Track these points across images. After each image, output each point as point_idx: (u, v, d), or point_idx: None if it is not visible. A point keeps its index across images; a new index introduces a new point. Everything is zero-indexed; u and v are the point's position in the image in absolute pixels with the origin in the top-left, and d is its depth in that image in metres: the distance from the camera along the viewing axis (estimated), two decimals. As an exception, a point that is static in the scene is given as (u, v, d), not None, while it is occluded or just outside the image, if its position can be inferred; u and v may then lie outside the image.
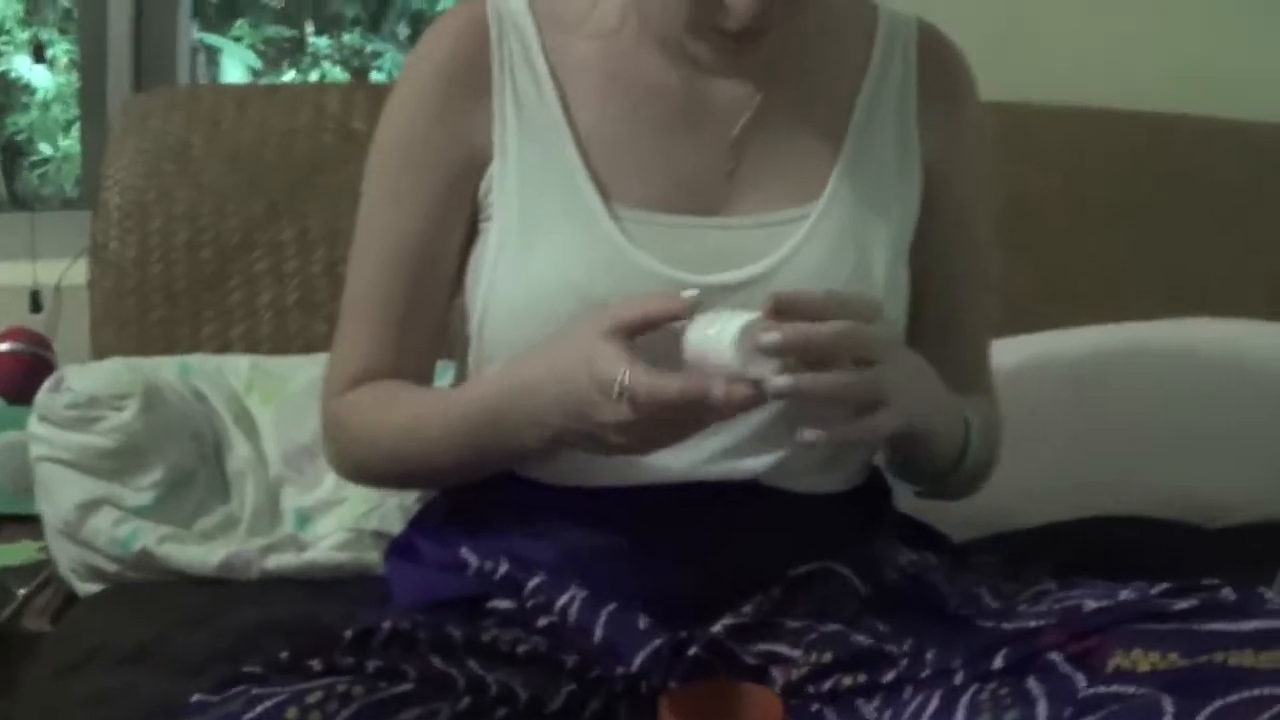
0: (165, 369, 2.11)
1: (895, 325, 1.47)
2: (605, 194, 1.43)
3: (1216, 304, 2.43)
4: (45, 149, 5.31)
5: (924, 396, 1.39)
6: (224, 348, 2.23)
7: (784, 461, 1.42)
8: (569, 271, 1.40)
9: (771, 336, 1.22)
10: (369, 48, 6.89)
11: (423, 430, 1.44)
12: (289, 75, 5.40)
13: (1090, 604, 1.30)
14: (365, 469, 1.56)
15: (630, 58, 1.48)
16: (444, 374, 1.61)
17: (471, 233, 1.49)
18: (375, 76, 4.99)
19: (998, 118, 1.71)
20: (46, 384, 2.00)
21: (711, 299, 1.34)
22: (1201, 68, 2.78)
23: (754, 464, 1.42)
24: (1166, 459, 2.18)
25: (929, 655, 1.31)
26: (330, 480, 2.05)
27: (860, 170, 1.48)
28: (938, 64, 1.57)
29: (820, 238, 1.44)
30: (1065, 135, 2.53)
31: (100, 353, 2.23)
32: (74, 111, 4.89)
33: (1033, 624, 1.32)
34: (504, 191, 1.45)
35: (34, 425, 1.99)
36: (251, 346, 2.23)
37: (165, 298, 2.23)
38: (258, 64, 5.20)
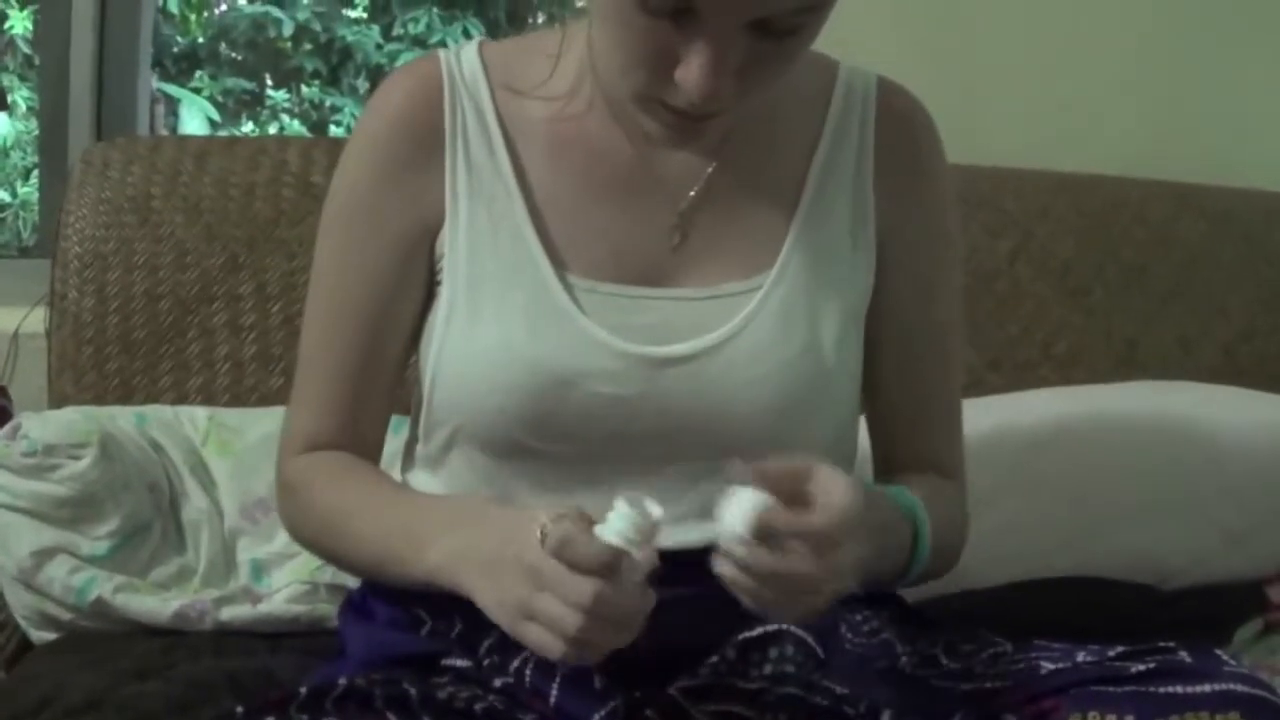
0: (122, 419, 2.10)
1: (846, 396, 1.46)
2: (555, 261, 1.42)
3: (1168, 368, 2.46)
4: (3, 196, 5.32)
5: (872, 557, 1.32)
6: (181, 399, 2.22)
7: None
8: (516, 339, 1.39)
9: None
10: (328, 101, 6.92)
11: (352, 525, 1.44)
12: (248, 127, 5.43)
13: (1047, 666, 1.31)
14: (304, 540, 1.55)
15: (584, 124, 1.47)
16: (399, 427, 1.61)
17: (429, 294, 1.48)
18: (334, 130, 5.02)
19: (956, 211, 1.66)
20: (3, 431, 2.00)
21: (661, 368, 1.36)
22: (1154, 132, 2.81)
23: (712, 531, 1.41)
24: (1120, 521, 2.19)
25: (885, 716, 1.30)
26: (285, 533, 2.04)
27: (812, 242, 1.46)
28: (898, 129, 1.52)
29: (770, 311, 1.42)
30: (1017, 199, 2.54)
31: (57, 401, 2.23)
32: (33, 159, 4.88)
33: (989, 685, 1.32)
34: (454, 255, 1.44)
35: (-9, 474, 1.98)
36: (209, 398, 2.23)
37: (123, 348, 2.23)
38: (217, 115, 5.23)
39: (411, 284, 1.47)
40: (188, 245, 2.24)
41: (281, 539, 2.05)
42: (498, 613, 1.21)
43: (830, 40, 1.47)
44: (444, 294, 1.44)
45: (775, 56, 1.25)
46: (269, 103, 6.70)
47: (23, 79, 5.40)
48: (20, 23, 5.73)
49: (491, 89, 1.48)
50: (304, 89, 6.99)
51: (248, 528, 2.08)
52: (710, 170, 1.46)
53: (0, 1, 5.53)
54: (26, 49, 5.57)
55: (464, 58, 1.51)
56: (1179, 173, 2.69)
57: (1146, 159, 2.71)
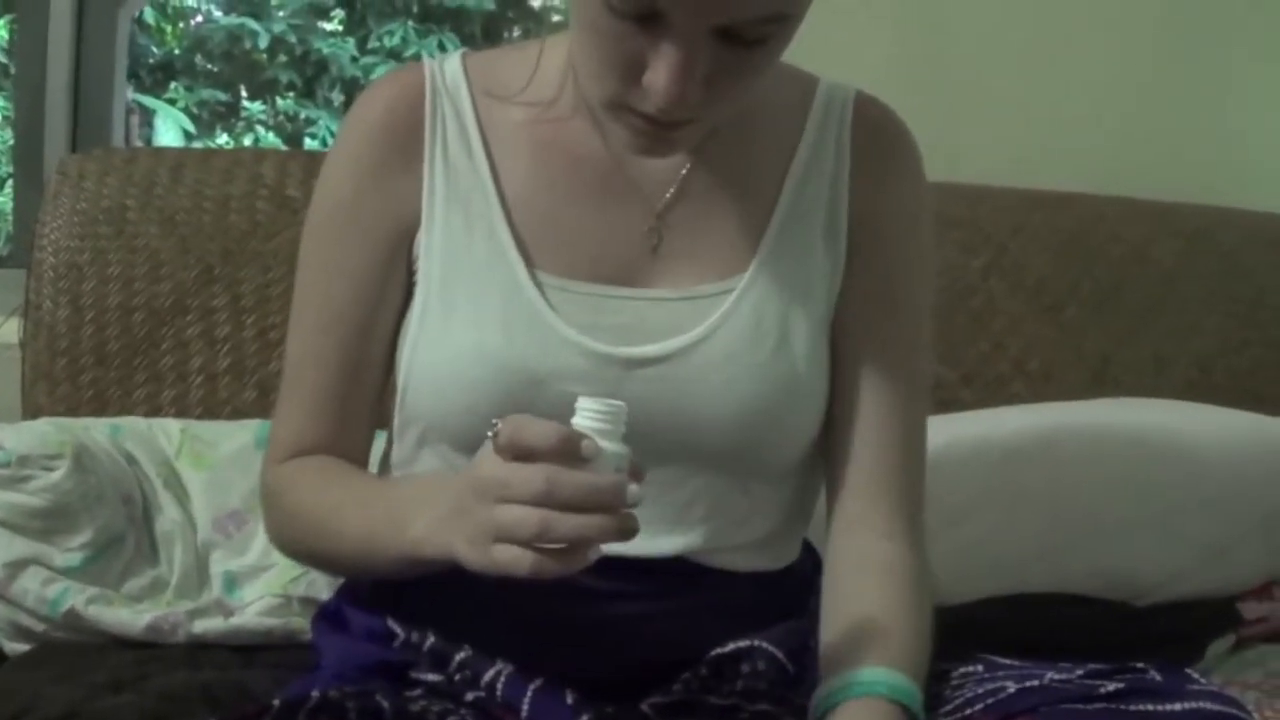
0: (96, 430, 2.10)
1: (816, 403, 1.45)
2: (529, 261, 1.42)
3: (1142, 387, 2.47)
4: (-23, 204, 5.30)
5: None
6: (155, 411, 2.22)
7: (713, 538, 1.42)
8: (487, 338, 1.38)
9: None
10: (303, 114, 6.91)
11: (336, 521, 1.42)
12: (223, 138, 5.42)
13: (1017, 685, 1.31)
14: (289, 546, 1.54)
15: (563, 128, 1.47)
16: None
17: (409, 298, 1.48)
18: (309, 143, 5.01)
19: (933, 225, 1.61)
20: (-24, 442, 1.99)
21: (631, 369, 1.36)
22: (1130, 150, 2.82)
23: (682, 540, 1.41)
24: (1094, 537, 2.19)
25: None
26: (259, 546, 2.05)
27: (786, 246, 1.45)
28: (873, 140, 1.51)
29: (742, 313, 1.41)
30: (992, 215, 2.55)
31: (31, 412, 2.23)
32: (7, 168, 4.87)
33: (959, 703, 1.32)
34: (429, 256, 1.44)
35: (-36, 483, 1.98)
36: (182, 411, 2.23)
37: (97, 359, 2.22)
38: (192, 127, 5.22)
39: (393, 288, 1.47)
40: (162, 257, 2.24)
41: (255, 552, 2.05)
42: (470, 554, 1.16)
43: (806, 57, 1.49)
44: (419, 294, 1.44)
45: (743, 67, 1.24)
46: (244, 114, 6.69)
47: (-1, 89, 5.39)
48: (-4, 31, 5.72)
49: (472, 94, 1.49)
50: (279, 101, 6.99)
51: (221, 540, 2.08)
52: (685, 171, 1.46)
53: (-23, 11, 5.52)
54: (2, 58, 5.55)
55: (447, 66, 1.51)
56: (1154, 191, 2.70)
57: (1122, 177, 2.72)
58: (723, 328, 1.41)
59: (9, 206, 4.99)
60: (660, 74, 1.21)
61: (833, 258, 1.48)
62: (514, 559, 1.12)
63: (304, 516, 1.46)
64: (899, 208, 1.51)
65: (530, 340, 1.38)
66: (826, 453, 1.49)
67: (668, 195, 1.46)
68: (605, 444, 1.14)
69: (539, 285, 1.41)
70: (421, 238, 1.45)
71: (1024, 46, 2.84)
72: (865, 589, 1.41)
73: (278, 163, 2.34)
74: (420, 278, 1.44)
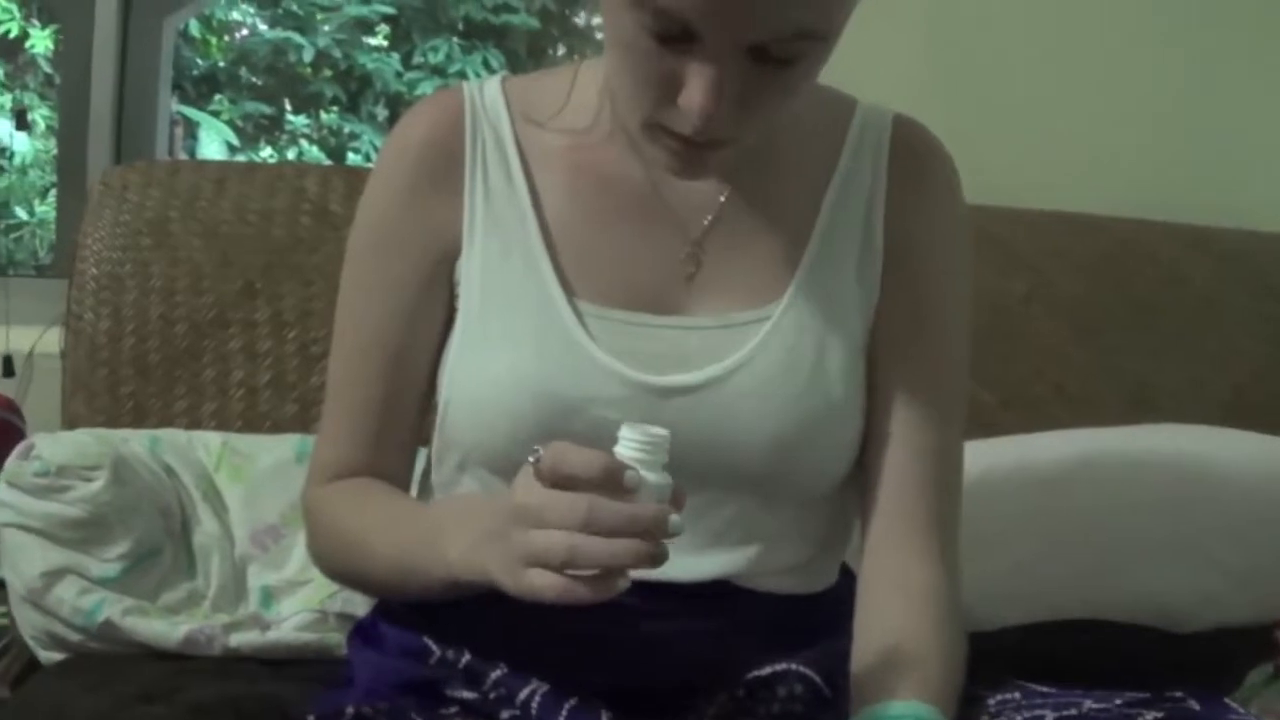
0: (135, 442, 2.10)
1: (851, 427, 1.44)
2: (567, 288, 1.42)
3: (1179, 410, 2.46)
4: (20, 214, 5.33)
5: None
6: (194, 424, 2.22)
7: (750, 562, 1.42)
8: (524, 364, 1.38)
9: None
10: (347, 128, 6.93)
11: (372, 543, 1.43)
12: (266, 152, 5.44)
13: (1055, 713, 1.30)
14: (329, 566, 1.55)
15: (599, 154, 1.47)
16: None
17: (451, 322, 1.48)
18: (352, 158, 5.03)
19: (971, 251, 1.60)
20: (16, 451, 2.00)
21: (668, 397, 1.36)
22: (1166, 174, 2.82)
23: (719, 563, 1.41)
24: (1130, 564, 2.18)
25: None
26: (296, 560, 2.05)
27: (822, 272, 1.44)
28: (910, 162, 1.50)
29: (778, 341, 1.41)
30: (1030, 240, 2.55)
31: (70, 422, 2.23)
32: (50, 178, 4.89)
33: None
34: (469, 281, 1.44)
35: (2, 491, 1.99)
36: (222, 424, 2.23)
37: (137, 371, 2.23)
38: (235, 139, 5.23)
39: (434, 311, 1.47)
40: (204, 270, 2.25)
41: (292, 566, 2.06)
42: (504, 578, 1.16)
43: (842, 80, 1.49)
44: (459, 319, 1.44)
45: (776, 86, 1.24)
46: (288, 128, 6.71)
47: (42, 98, 5.41)
48: (41, 42, 5.75)
49: (512, 118, 1.49)
50: (323, 115, 7.01)
51: (258, 554, 2.08)
52: (723, 199, 1.46)
53: (21, 20, 5.54)
54: (47, 68, 5.58)
55: (486, 90, 1.51)
56: (1190, 214, 2.69)
57: (1158, 200, 2.71)
58: (758, 355, 1.40)
59: (51, 216, 5.02)
60: (694, 93, 1.21)
61: (868, 281, 1.47)
62: (546, 584, 1.12)
63: (342, 537, 1.47)
64: (935, 228, 1.50)
65: (567, 367, 1.38)
66: (861, 473, 1.48)
67: (705, 222, 1.46)
68: (648, 475, 1.14)
69: (577, 312, 1.41)
70: (462, 262, 1.45)
71: (1060, 70, 2.84)
72: (896, 612, 1.40)
73: (321, 177, 2.34)
74: (461, 303, 1.45)
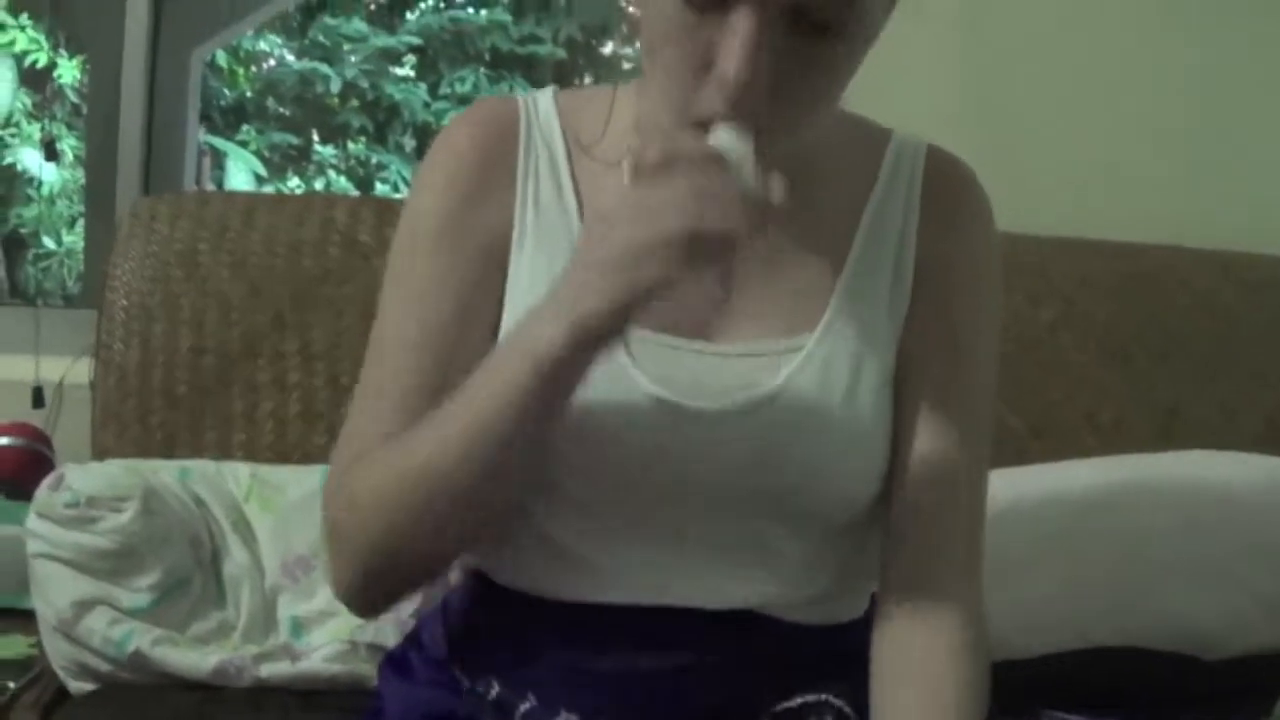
0: (165, 473, 2.11)
1: (881, 456, 1.44)
2: None
3: (1209, 436, 2.45)
4: (49, 243, 5.36)
5: None
6: (224, 454, 2.23)
7: (778, 592, 1.41)
8: None
9: None
10: (374, 158, 6.95)
11: (430, 434, 1.33)
12: (294, 182, 5.46)
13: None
14: (373, 520, 1.36)
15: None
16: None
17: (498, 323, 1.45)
18: (380, 187, 5.05)
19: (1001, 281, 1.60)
20: (47, 482, 2.01)
21: (699, 421, 1.35)
22: (1198, 200, 2.82)
23: (746, 592, 1.40)
24: (1160, 591, 2.17)
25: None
26: (326, 591, 2.05)
27: (854, 303, 1.44)
28: (943, 192, 1.50)
29: (810, 370, 1.40)
30: (1059, 266, 2.54)
31: (100, 453, 2.24)
32: (79, 207, 4.92)
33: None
34: (515, 289, 1.43)
35: (33, 522, 2.00)
36: (252, 455, 2.23)
37: (167, 402, 2.23)
38: (263, 170, 5.25)
39: (487, 306, 1.44)
40: (233, 301, 2.26)
41: (322, 597, 2.05)
42: (617, 290, 1.14)
43: (874, 109, 1.49)
44: (504, 324, 1.43)
45: (814, 61, 1.24)
46: (315, 158, 6.73)
47: (70, 127, 5.44)
48: (69, 72, 5.78)
49: (565, 136, 1.49)
50: (350, 145, 7.02)
51: (288, 585, 2.08)
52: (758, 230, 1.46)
53: (50, 50, 5.57)
54: (74, 98, 5.61)
55: (540, 103, 1.51)
56: (1220, 240, 2.69)
57: (1187, 226, 2.71)
58: (791, 385, 1.39)
59: (79, 245, 5.04)
60: (729, 56, 1.20)
61: (898, 314, 1.47)
62: (656, 266, 1.12)
63: (391, 466, 1.35)
64: (965, 254, 1.50)
65: (604, 384, 1.34)
66: (885, 497, 1.46)
67: (743, 259, 1.45)
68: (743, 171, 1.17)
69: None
70: (510, 270, 1.44)
71: (1089, 97, 2.84)
72: (916, 636, 1.40)
73: (349, 208, 2.34)
74: (506, 312, 1.43)
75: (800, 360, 1.41)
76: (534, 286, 1.41)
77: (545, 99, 1.52)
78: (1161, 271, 2.60)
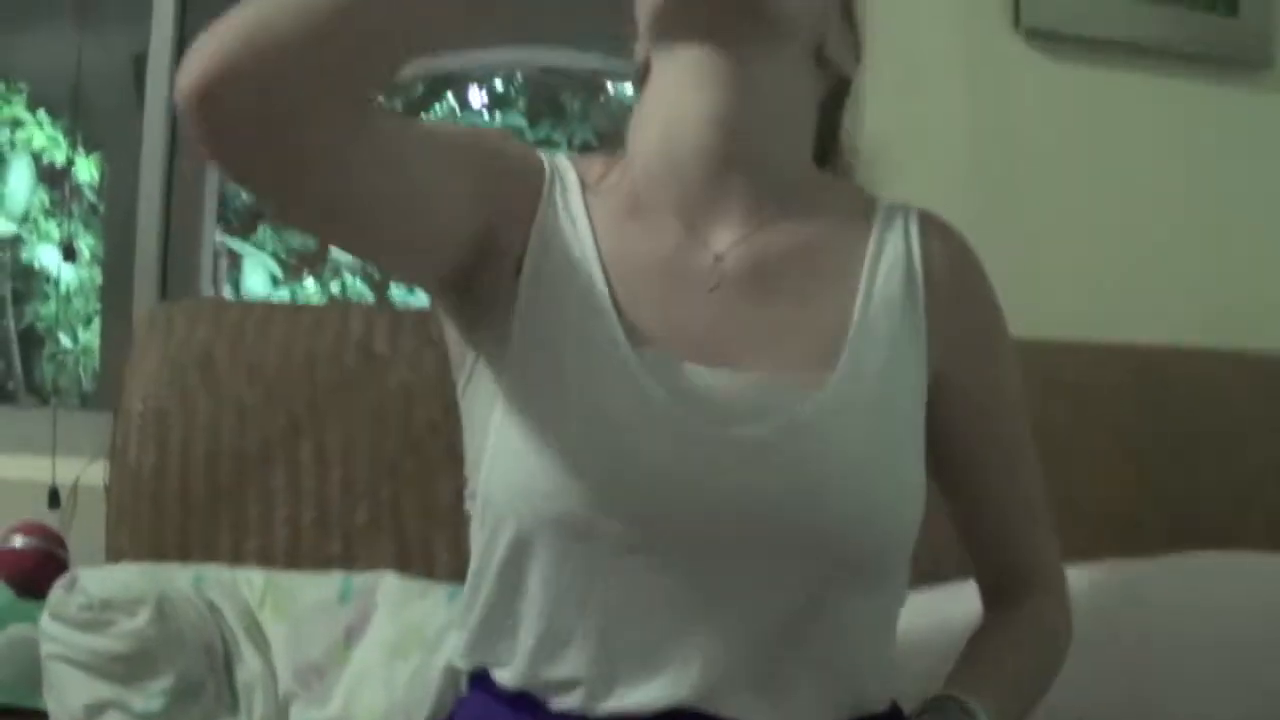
0: (180, 577, 2.12)
1: (912, 494, 1.46)
2: (630, 337, 1.42)
3: (1222, 533, 2.45)
4: (65, 340, 5.36)
5: None
6: (238, 560, 2.23)
7: (785, 705, 1.40)
8: (589, 405, 1.38)
9: None
10: (390, 260, 6.99)
11: None
12: (310, 284, 5.47)
13: None
14: (232, 32, 1.15)
15: (641, 213, 1.52)
16: (455, 595, 1.58)
17: (459, 252, 1.44)
18: (395, 290, 5.05)
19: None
20: (61, 583, 2.02)
21: (725, 453, 1.37)
22: (1203, 298, 2.83)
23: (753, 705, 1.39)
24: (1177, 693, 2.17)
25: None
26: (340, 697, 2.04)
27: (871, 341, 1.47)
28: (943, 250, 1.57)
29: (835, 402, 1.42)
30: (1070, 368, 2.56)
31: (115, 555, 2.24)
32: (94, 305, 4.92)
33: None
34: (525, 317, 1.44)
35: (46, 623, 2.00)
36: (266, 560, 2.23)
37: (182, 506, 2.24)
38: (280, 272, 5.26)
39: (463, 214, 1.42)
40: (249, 407, 2.27)
41: (336, 704, 2.05)
42: None
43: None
44: (512, 353, 1.43)
45: None
46: (332, 260, 6.77)
47: (86, 226, 5.46)
48: (86, 170, 5.82)
49: (580, 179, 1.54)
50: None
51: (301, 692, 2.08)
52: (760, 258, 1.50)
53: (68, 148, 5.61)
54: (92, 196, 5.64)
55: (556, 155, 1.57)
56: (1230, 339, 2.70)
57: (1197, 325, 2.73)
58: (817, 412, 1.41)
59: (95, 343, 5.06)
60: None
61: (916, 363, 1.51)
62: None
63: None
64: (980, 325, 1.59)
65: (622, 409, 1.38)
66: (966, 544, 1.62)
67: (746, 282, 1.49)
68: None
69: (640, 359, 1.41)
70: (521, 291, 1.45)
71: (1098, 201, 2.87)
72: (980, 634, 1.60)
73: (365, 317, 2.36)
74: (514, 333, 1.44)
75: (824, 392, 1.43)
76: (551, 304, 1.45)
77: (558, 155, 1.57)
78: (1171, 369, 2.61)
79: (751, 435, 1.39)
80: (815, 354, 1.45)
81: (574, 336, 1.42)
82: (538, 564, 1.40)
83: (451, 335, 1.54)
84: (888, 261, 1.53)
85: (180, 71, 1.14)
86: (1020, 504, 1.64)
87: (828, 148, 1.66)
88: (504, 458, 1.41)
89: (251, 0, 1.14)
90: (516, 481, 1.39)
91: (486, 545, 1.44)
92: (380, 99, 1.26)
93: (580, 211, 1.50)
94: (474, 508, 1.47)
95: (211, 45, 1.13)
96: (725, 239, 1.50)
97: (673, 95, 1.52)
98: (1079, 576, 2.23)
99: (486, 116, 6.85)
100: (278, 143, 1.18)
